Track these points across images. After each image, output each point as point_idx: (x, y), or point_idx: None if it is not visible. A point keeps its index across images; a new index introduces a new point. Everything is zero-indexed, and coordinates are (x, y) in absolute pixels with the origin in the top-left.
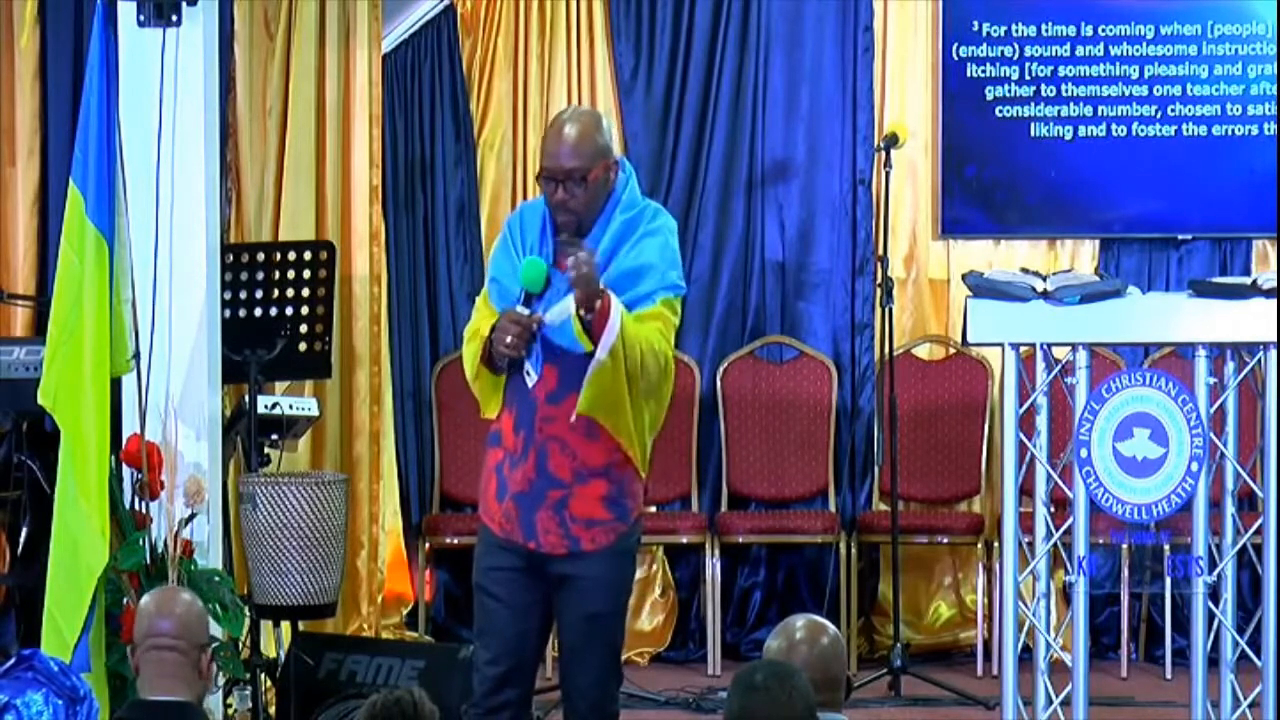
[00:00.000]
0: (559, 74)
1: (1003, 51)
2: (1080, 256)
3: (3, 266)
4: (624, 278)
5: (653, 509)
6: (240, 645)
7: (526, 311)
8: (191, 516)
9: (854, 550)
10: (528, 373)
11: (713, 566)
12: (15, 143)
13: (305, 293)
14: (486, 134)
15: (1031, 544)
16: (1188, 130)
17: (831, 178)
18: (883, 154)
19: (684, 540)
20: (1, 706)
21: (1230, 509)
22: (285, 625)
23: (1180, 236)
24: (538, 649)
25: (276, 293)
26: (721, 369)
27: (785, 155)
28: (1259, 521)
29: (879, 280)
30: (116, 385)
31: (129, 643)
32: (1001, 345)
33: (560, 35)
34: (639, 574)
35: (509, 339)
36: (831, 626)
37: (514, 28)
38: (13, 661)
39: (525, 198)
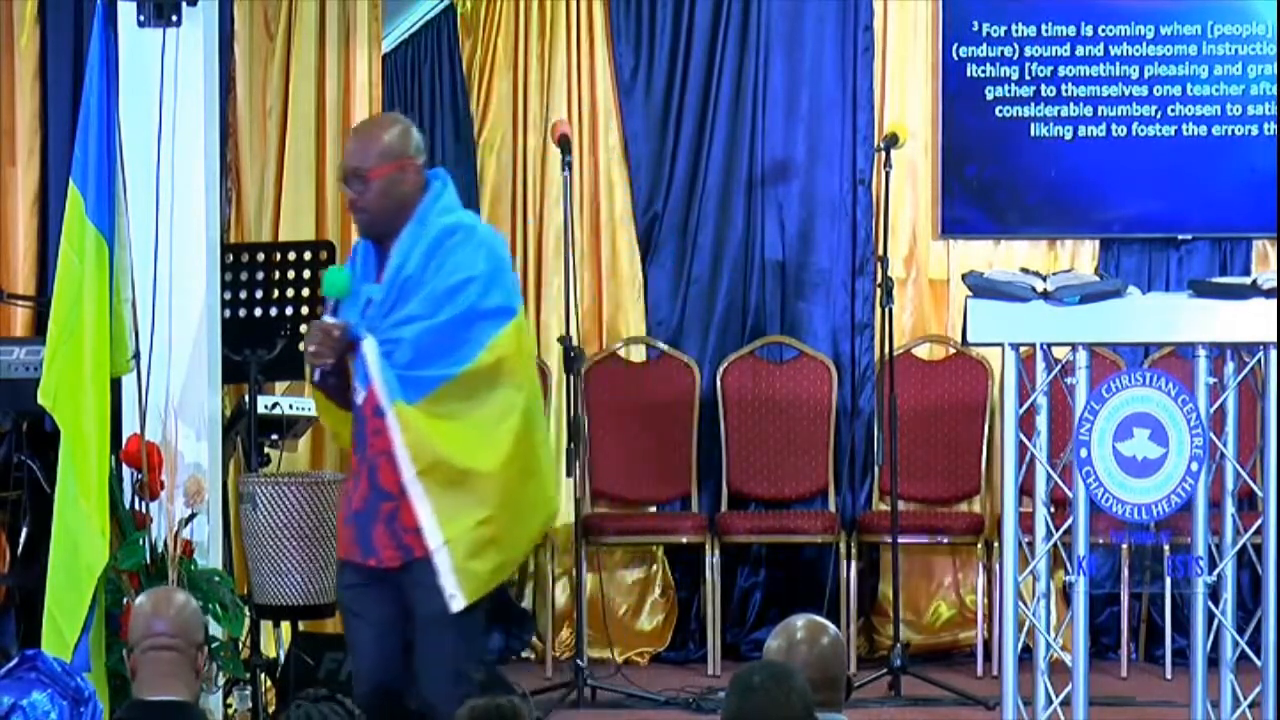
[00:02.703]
0: (559, 75)
1: (1003, 51)
2: (1080, 256)
3: (3, 266)
4: (435, 300)
5: (653, 509)
6: (240, 645)
7: (332, 320)
8: (191, 516)
9: (854, 550)
10: (355, 389)
11: (712, 566)
12: (15, 143)
13: (305, 293)
14: (486, 134)
15: (1031, 544)
16: (1188, 130)
17: (831, 178)
18: (883, 154)
19: (684, 540)
20: (8, 708)
21: (1230, 509)
22: (285, 625)
23: (1180, 236)
24: (408, 663)
25: (276, 293)
26: (721, 369)
27: (785, 155)
28: (1259, 521)
29: (879, 280)
30: (116, 385)
31: (127, 643)
32: (1001, 345)
33: (560, 36)
34: (639, 574)
35: (312, 346)
36: (831, 626)
37: (514, 28)
38: (15, 662)
39: (525, 198)
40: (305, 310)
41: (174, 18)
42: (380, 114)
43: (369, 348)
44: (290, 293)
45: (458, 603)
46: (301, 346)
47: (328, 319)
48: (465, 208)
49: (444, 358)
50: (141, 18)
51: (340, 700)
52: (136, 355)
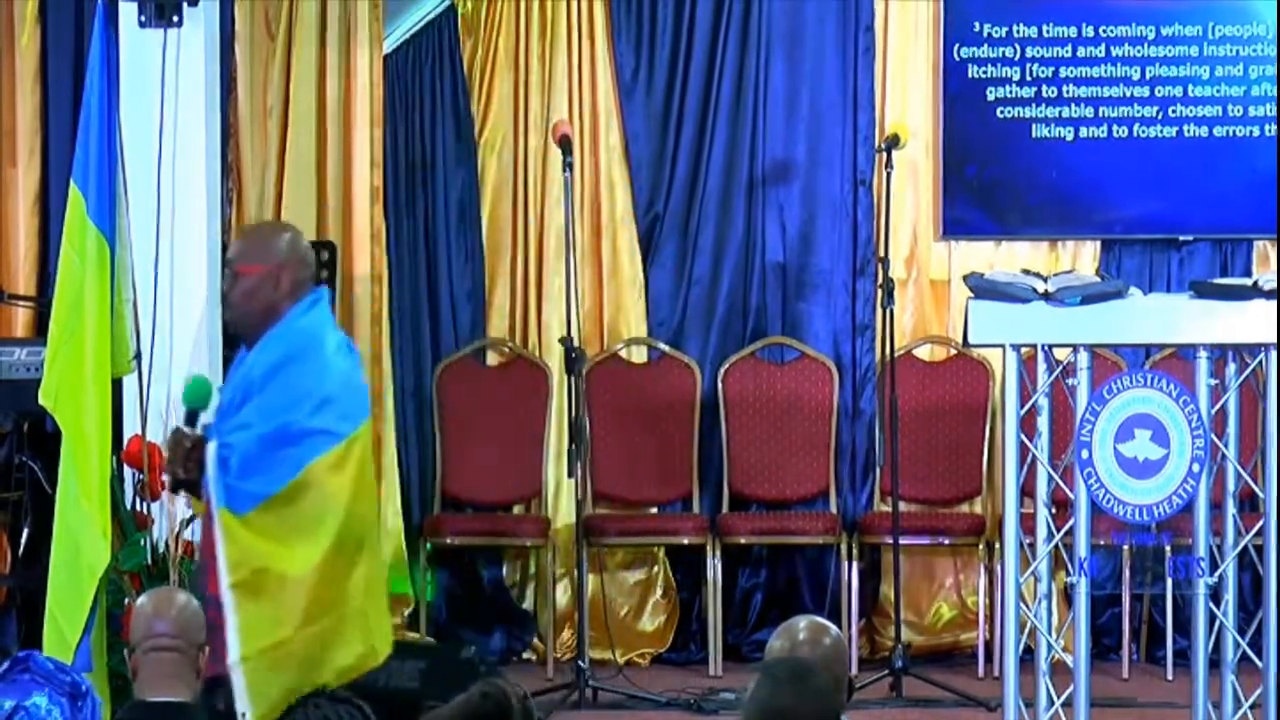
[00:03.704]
0: (560, 75)
1: (1004, 52)
2: (1081, 257)
3: (4, 267)
4: (266, 413)
5: (654, 510)
6: None
7: (185, 430)
8: (193, 517)
9: (855, 551)
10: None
11: (714, 568)
12: (16, 143)
13: None
14: (487, 135)
15: (1033, 545)
16: (1189, 131)
17: (832, 178)
18: (884, 155)
19: (685, 541)
20: (10, 711)
21: (1231, 510)
22: None
23: (1181, 238)
24: None
25: None
26: (722, 370)
27: (786, 156)
28: (1260, 523)
29: (880, 281)
30: (118, 386)
31: (129, 643)
32: (1003, 346)
33: (561, 36)
34: (640, 575)
35: (166, 453)
36: (833, 628)
37: (515, 28)
38: (7, 665)
39: (526, 199)
40: None
41: (175, 18)
42: (277, 220)
43: (209, 451)
44: None
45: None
46: None
47: (182, 428)
48: (466, 208)
49: (265, 473)
50: (142, 18)
51: (358, 704)
52: (138, 356)
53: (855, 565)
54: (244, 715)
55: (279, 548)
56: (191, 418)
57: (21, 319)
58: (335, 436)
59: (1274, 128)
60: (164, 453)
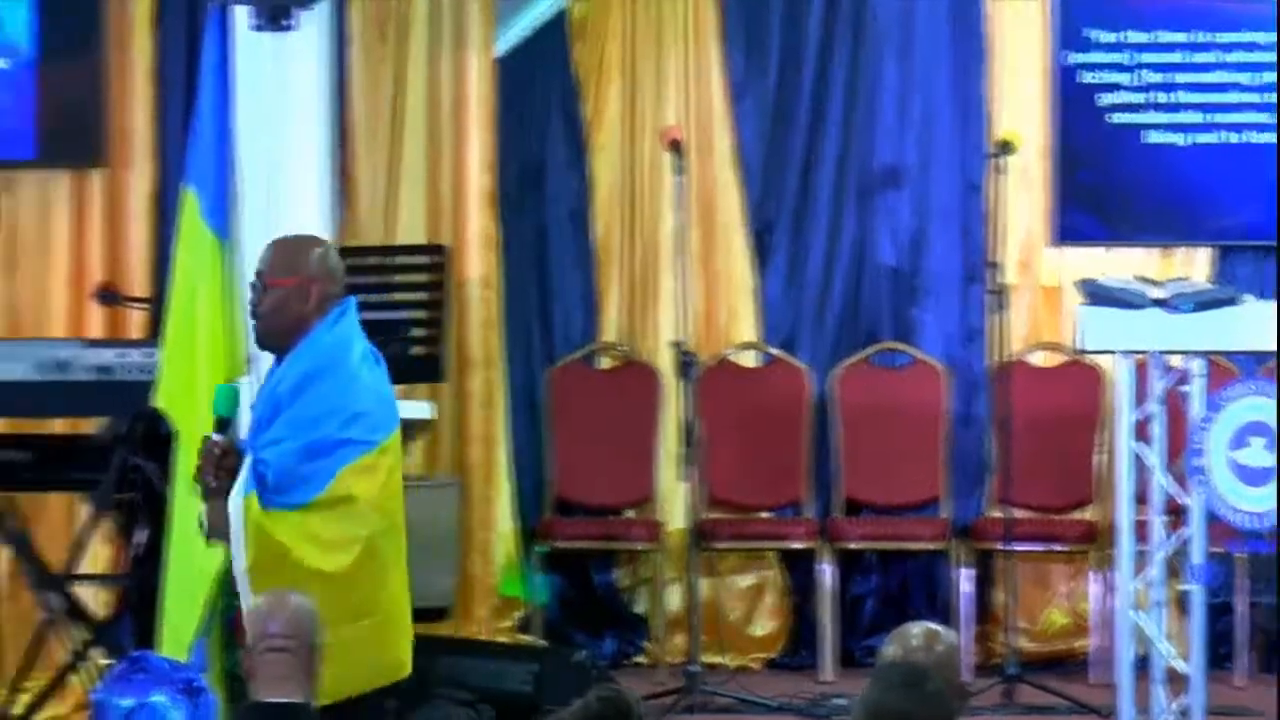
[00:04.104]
0: (671, 79)
1: (1115, 58)
2: (1194, 264)
3: (119, 269)
4: (296, 426)
5: (765, 514)
6: None
7: (217, 438)
8: None
9: (967, 558)
10: None
11: (826, 573)
12: (131, 146)
13: (418, 296)
14: (599, 138)
15: (1146, 552)
16: None
17: (944, 184)
18: (995, 160)
19: (796, 546)
20: (131, 709)
21: None
22: None
23: None
24: None
25: (390, 296)
26: (834, 375)
27: (898, 161)
28: None
29: (992, 287)
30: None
31: (243, 645)
32: (1115, 353)
33: (672, 40)
34: (752, 579)
35: (198, 464)
36: (947, 633)
37: (626, 33)
38: (123, 665)
39: (637, 203)
40: (419, 313)
41: (288, 22)
42: (308, 234)
43: (244, 464)
44: (403, 296)
45: None
46: None
47: (215, 436)
48: (577, 212)
49: (301, 486)
50: (256, 22)
51: (479, 707)
52: (251, 358)
53: (967, 571)
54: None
55: (303, 543)
56: (222, 425)
57: (136, 321)
58: (366, 445)
59: None
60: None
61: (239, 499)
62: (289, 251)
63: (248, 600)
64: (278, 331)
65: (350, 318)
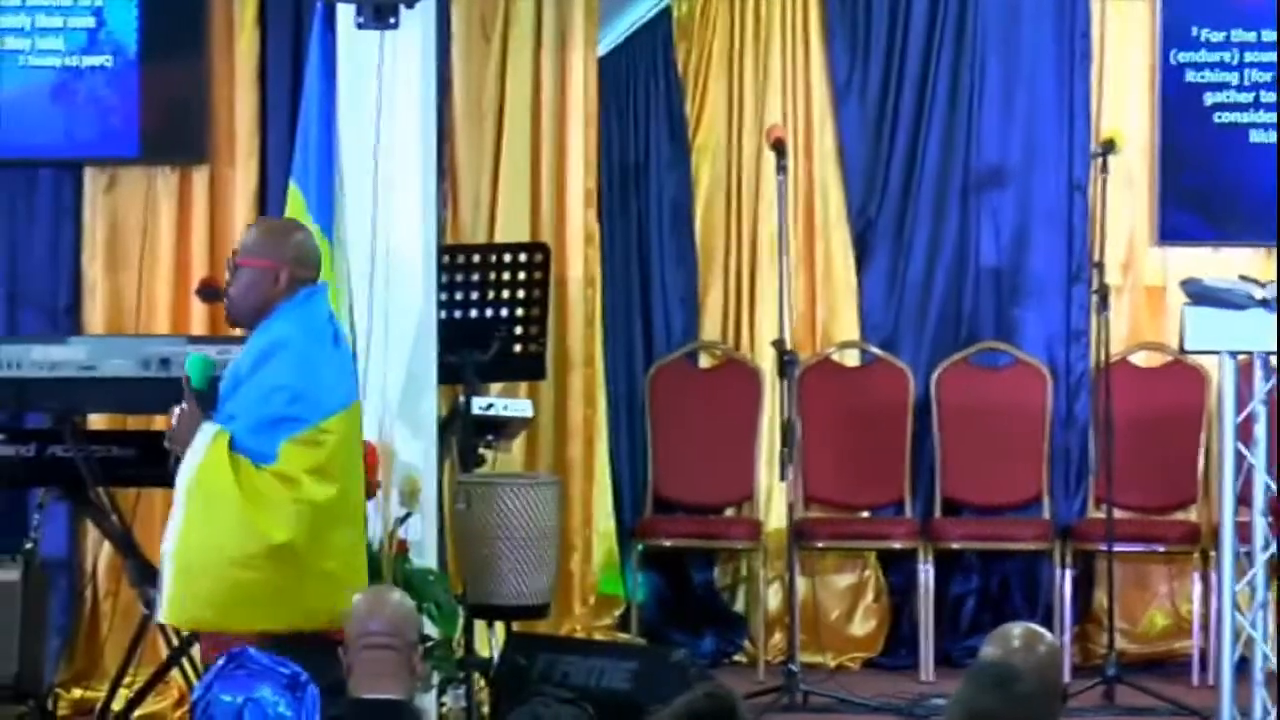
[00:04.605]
0: (774, 78)
1: (1222, 58)
2: None
3: (221, 266)
4: (248, 404)
5: (865, 513)
6: (454, 645)
7: (183, 408)
8: (407, 516)
9: (1068, 558)
10: None
11: (925, 573)
12: (235, 143)
13: (520, 294)
14: (701, 137)
15: (1249, 554)
16: None
17: (1048, 183)
18: (1099, 160)
19: (896, 546)
20: (241, 704)
21: None
22: (499, 625)
23: None
24: None
25: (492, 294)
26: (935, 375)
27: (1001, 160)
28: None
29: (1095, 287)
30: None
31: (343, 642)
32: (1219, 353)
33: (775, 39)
34: (851, 579)
35: (169, 432)
36: (1048, 634)
37: (729, 31)
38: (224, 663)
39: (740, 202)
40: (520, 312)
41: (392, 20)
42: (287, 218)
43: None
44: (505, 294)
45: (159, 614)
46: None
47: (182, 406)
48: (679, 210)
49: (251, 459)
50: (359, 20)
51: (582, 705)
52: (354, 355)
53: (1068, 572)
54: (158, 607)
55: (243, 493)
56: (199, 396)
57: None
58: (305, 421)
59: None
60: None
61: (213, 426)
62: (264, 235)
63: (179, 514)
64: (246, 310)
65: (316, 301)
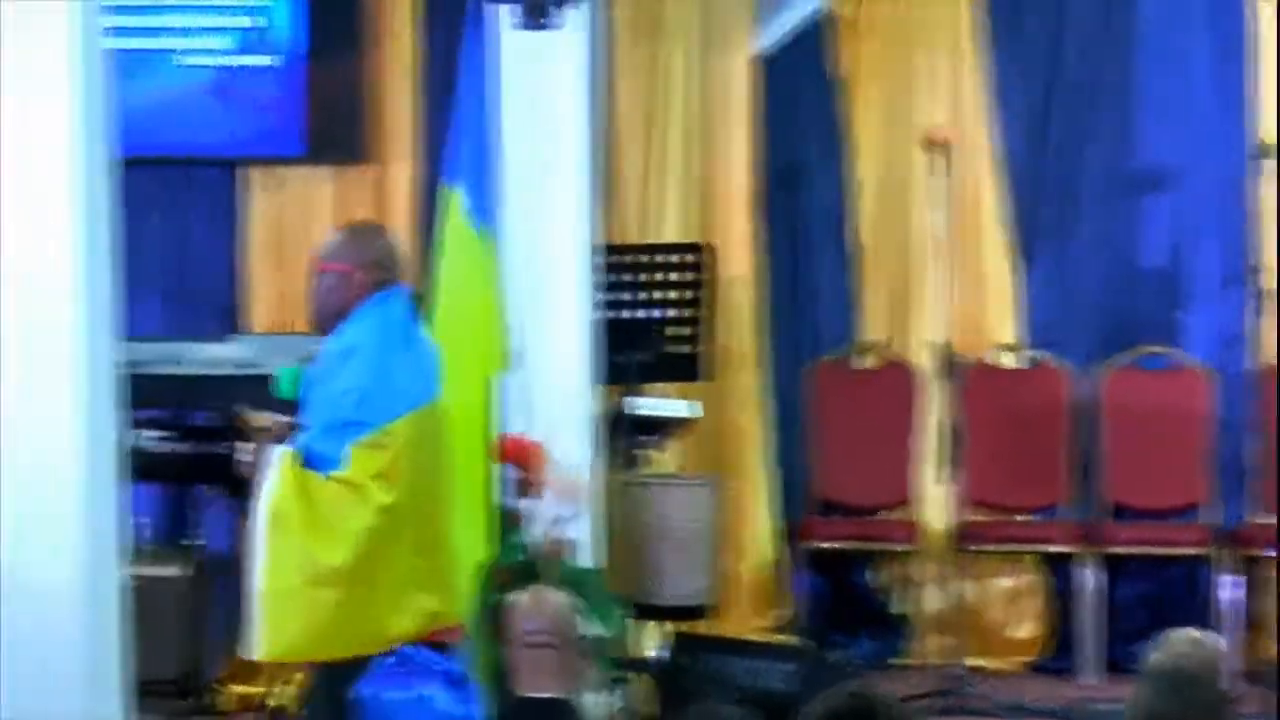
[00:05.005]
0: (932, 79)
1: None
2: None
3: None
4: (317, 410)
5: (1025, 516)
6: (616, 644)
7: (279, 417)
8: (568, 515)
9: (1232, 563)
10: None
11: (1087, 576)
12: (394, 142)
13: (680, 295)
14: (859, 138)
15: None
16: None
17: (1208, 185)
18: (1262, 162)
19: (1057, 549)
20: (406, 702)
21: None
22: (659, 625)
23: None
24: None
25: (652, 294)
26: (1098, 377)
27: (1161, 162)
28: None
29: (1255, 290)
30: (495, 383)
31: (505, 640)
32: None
33: (934, 41)
34: (1012, 582)
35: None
36: (1214, 641)
37: (888, 33)
38: (390, 660)
39: (897, 202)
40: (679, 312)
41: (549, 21)
42: (370, 221)
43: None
44: (665, 295)
45: (254, 651)
46: None
47: (276, 417)
48: (838, 212)
49: (321, 465)
50: (517, 20)
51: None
52: (515, 354)
53: (1232, 578)
54: (256, 646)
55: (312, 513)
56: (288, 406)
57: None
58: (371, 425)
59: None
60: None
61: (281, 449)
62: (343, 239)
63: (261, 547)
64: (326, 315)
65: (391, 303)
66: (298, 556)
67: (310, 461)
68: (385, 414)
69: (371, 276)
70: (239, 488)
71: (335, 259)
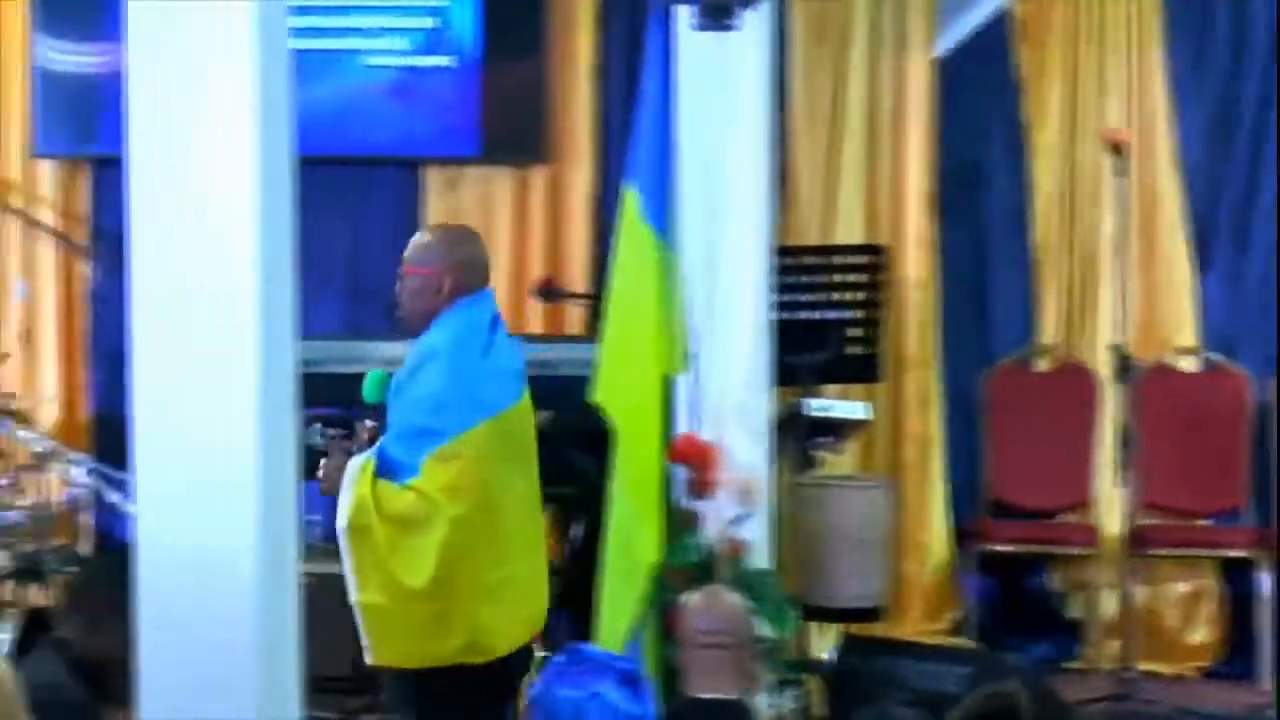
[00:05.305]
0: (1113, 80)
1: None
2: None
3: (561, 264)
4: (396, 415)
5: (1203, 520)
6: (789, 646)
7: (370, 423)
8: (742, 516)
9: None
10: None
11: (1265, 582)
12: (572, 144)
13: (856, 296)
14: (1039, 140)
15: None
16: None
17: None
18: None
19: (1236, 554)
20: (582, 700)
21: None
22: (832, 627)
23: None
24: None
25: (828, 296)
26: (1276, 381)
27: None
28: None
29: None
30: (670, 384)
31: (677, 640)
32: None
33: (1114, 41)
34: (1189, 586)
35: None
36: None
37: (1069, 33)
38: (563, 658)
39: (1076, 204)
40: (856, 313)
41: (730, 22)
42: (459, 225)
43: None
44: (841, 296)
45: (367, 657)
46: None
47: (367, 422)
48: (1017, 215)
49: (397, 473)
50: (697, 21)
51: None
52: (690, 355)
53: None
54: (368, 649)
55: (387, 526)
56: (373, 410)
57: (575, 317)
58: (445, 434)
59: None
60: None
61: (359, 460)
62: (428, 243)
63: (347, 559)
64: (413, 319)
65: (474, 309)
66: (380, 574)
67: (390, 469)
68: (461, 423)
69: (457, 280)
70: None
71: (421, 262)
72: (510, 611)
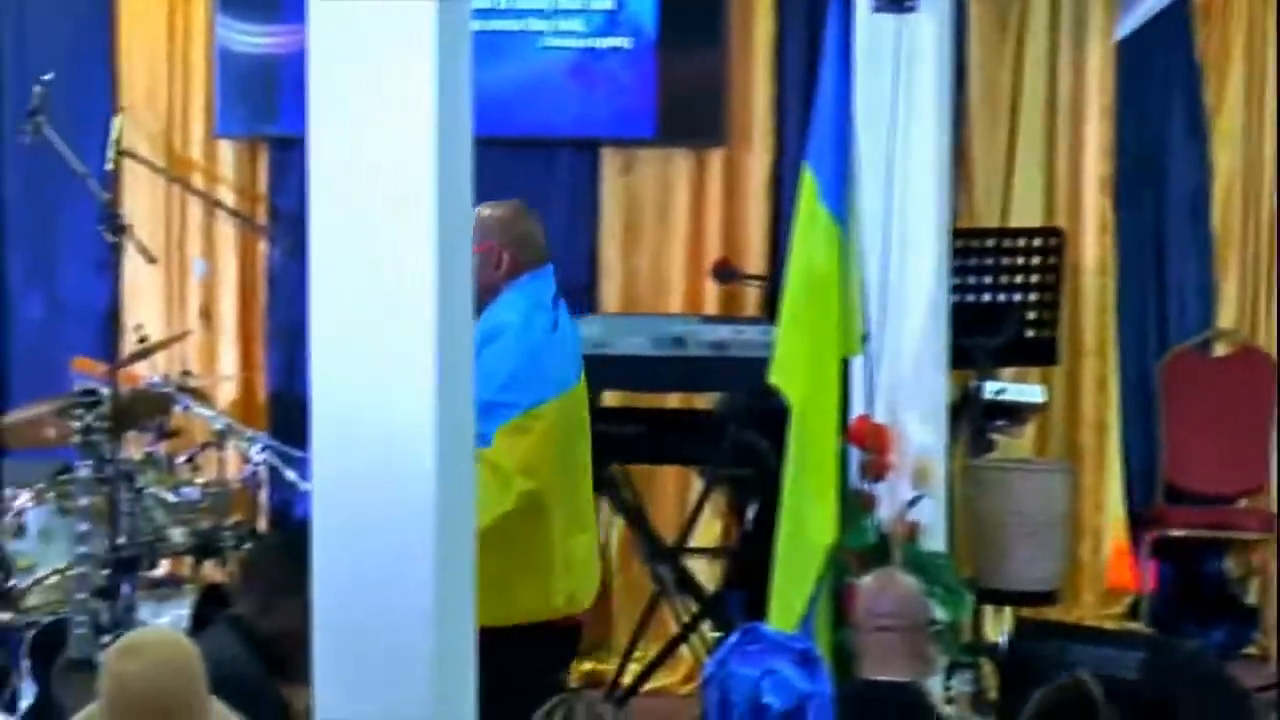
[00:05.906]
0: None
1: None
2: None
3: (738, 247)
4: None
5: None
6: (962, 629)
7: None
8: (917, 499)
9: None
10: None
11: None
12: (750, 126)
13: (1033, 279)
14: (1221, 125)
15: None
16: None
17: None
18: None
19: None
20: (759, 677)
21: None
22: (1007, 610)
23: None
24: None
25: (1005, 279)
26: None
27: None
28: None
29: None
30: (846, 366)
31: (851, 622)
32: None
33: None
34: None
35: None
36: None
37: (1250, 16)
38: (736, 638)
39: (1258, 189)
40: (1033, 296)
41: (910, 4)
42: (513, 201)
43: None
44: (1019, 279)
45: None
46: None
47: None
48: (1197, 200)
49: None
50: (876, 4)
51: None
52: (866, 337)
53: None
54: None
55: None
56: None
57: (751, 298)
58: (517, 407)
59: None
60: None
61: None
62: (485, 219)
63: None
64: (481, 295)
65: (537, 285)
66: None
67: None
68: (532, 396)
69: (517, 256)
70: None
71: (477, 238)
72: (558, 584)
